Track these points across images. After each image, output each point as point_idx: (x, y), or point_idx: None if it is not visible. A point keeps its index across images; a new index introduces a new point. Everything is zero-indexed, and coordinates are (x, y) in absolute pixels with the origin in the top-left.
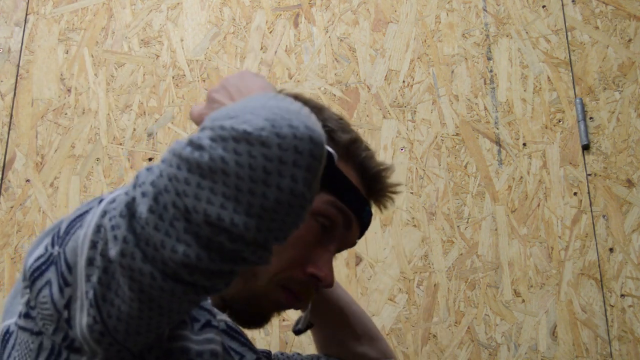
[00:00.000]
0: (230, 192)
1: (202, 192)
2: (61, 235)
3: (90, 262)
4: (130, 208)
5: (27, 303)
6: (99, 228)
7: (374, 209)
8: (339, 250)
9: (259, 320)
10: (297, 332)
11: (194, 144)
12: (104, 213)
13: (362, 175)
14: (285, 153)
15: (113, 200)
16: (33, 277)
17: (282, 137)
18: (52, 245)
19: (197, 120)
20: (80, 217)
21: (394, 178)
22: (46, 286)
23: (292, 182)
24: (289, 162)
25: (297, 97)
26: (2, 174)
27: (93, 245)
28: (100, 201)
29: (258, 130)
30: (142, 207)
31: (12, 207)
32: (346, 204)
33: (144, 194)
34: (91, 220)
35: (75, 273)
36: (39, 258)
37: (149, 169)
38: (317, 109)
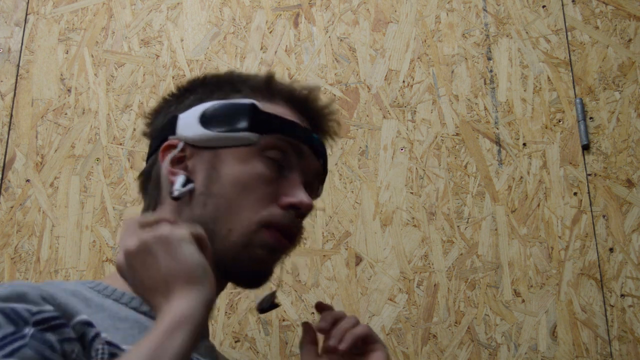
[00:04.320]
0: None
1: None
2: None
3: None
4: None
5: None
6: None
7: (332, 142)
8: (308, 182)
9: (261, 273)
10: (261, 310)
11: None
12: None
13: (293, 107)
14: None
15: None
16: None
17: None
18: None
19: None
20: None
21: (323, 99)
22: None
23: None
24: None
25: (205, 77)
26: (2, 174)
27: None
28: None
29: None
30: None
31: (12, 207)
32: (288, 135)
33: None
34: None
35: None
36: None
37: None
38: (216, 76)
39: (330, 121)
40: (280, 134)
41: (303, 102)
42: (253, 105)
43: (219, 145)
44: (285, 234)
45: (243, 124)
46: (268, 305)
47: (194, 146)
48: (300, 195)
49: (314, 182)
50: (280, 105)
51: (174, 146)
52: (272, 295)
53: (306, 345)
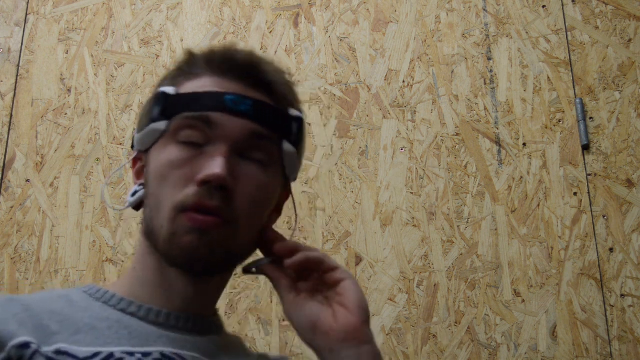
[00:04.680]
0: None
1: None
2: None
3: None
4: None
5: None
6: None
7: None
8: (239, 147)
9: (202, 259)
10: (244, 270)
11: None
12: None
13: (214, 74)
14: None
15: None
16: None
17: None
18: None
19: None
20: None
21: (244, 50)
22: None
23: None
24: None
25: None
26: (2, 174)
27: None
28: None
29: None
30: None
31: (12, 207)
32: (192, 110)
33: None
34: None
35: None
36: None
37: None
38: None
39: (257, 69)
40: (184, 112)
41: (221, 64)
42: (159, 94)
43: (148, 145)
44: (207, 211)
45: (154, 115)
46: (253, 268)
47: (144, 152)
48: (207, 168)
49: (250, 142)
50: (203, 78)
51: (130, 159)
52: (261, 261)
53: (282, 287)
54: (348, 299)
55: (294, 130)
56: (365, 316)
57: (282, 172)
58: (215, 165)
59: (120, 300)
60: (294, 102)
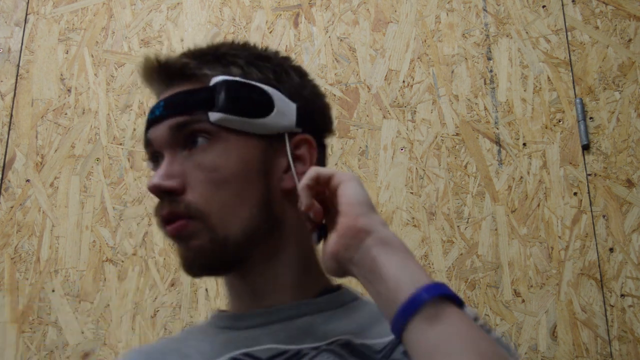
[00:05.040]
0: None
1: None
2: None
3: None
4: None
5: None
6: None
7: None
8: (175, 148)
9: (195, 260)
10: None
11: None
12: None
13: (155, 92)
14: None
15: None
16: None
17: None
18: None
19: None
20: None
21: (152, 59)
22: None
23: None
24: None
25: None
26: (2, 174)
27: None
28: None
29: None
30: None
31: (12, 207)
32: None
33: None
34: None
35: None
36: None
37: None
38: None
39: (164, 66)
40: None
41: (154, 83)
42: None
43: None
44: (172, 219)
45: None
46: (319, 237)
47: None
48: (150, 181)
49: (180, 135)
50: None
51: None
52: (320, 229)
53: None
54: (342, 203)
55: (220, 97)
56: (359, 210)
57: (244, 137)
58: (153, 178)
59: (220, 317)
60: (221, 69)
